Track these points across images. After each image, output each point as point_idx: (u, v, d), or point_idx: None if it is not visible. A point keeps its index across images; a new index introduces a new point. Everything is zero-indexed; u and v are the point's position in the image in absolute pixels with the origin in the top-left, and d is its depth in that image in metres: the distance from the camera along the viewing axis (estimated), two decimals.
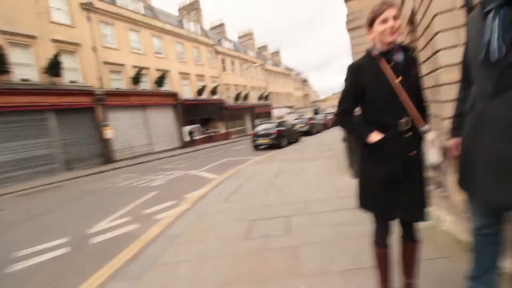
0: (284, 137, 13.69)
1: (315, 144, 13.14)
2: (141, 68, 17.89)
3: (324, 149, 10.32)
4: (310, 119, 21.41)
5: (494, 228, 1.33)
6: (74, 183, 9.99)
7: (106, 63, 16.08)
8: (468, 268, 1.47)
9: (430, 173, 3.18)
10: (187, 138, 21.65)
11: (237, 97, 28.94)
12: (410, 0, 6.23)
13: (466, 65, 1.35)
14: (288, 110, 43.00)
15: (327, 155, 8.69)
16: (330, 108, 56.15)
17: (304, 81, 59.96)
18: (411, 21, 7.39)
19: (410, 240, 1.55)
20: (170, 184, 7.14)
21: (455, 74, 1.97)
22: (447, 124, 1.48)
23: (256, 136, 13.56)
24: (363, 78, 1.45)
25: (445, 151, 1.55)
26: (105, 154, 15.13)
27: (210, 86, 25.28)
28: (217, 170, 8.58)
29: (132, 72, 17.53)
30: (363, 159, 1.55)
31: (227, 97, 28.30)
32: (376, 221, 1.55)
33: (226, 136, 26.68)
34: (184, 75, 22.55)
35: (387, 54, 1.42)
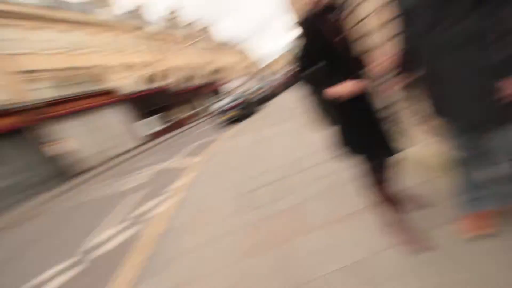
0: (251, 105, 13.40)
1: (278, 108, 13.32)
2: (66, 70, 15.72)
3: (288, 111, 10.62)
4: (268, 83, 19.89)
5: (475, 142, 1.37)
6: (49, 206, 9.01)
7: (21, 72, 13.71)
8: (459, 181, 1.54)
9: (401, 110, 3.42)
10: (145, 133, 20.41)
11: (184, 79, 27.42)
12: None
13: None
14: (239, 82, 42.11)
15: (292, 115, 9.00)
16: (274, 73, 55.68)
17: (243, 51, 58.55)
18: None
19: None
20: (151, 181, 6.91)
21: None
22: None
23: (220, 112, 12.85)
24: (321, 34, 1.36)
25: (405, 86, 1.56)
26: (62, 171, 13.78)
27: (149, 73, 23.50)
28: (193, 155, 8.47)
29: (57, 75, 15.33)
30: (344, 112, 1.54)
31: (171, 81, 26.69)
32: (368, 161, 1.61)
33: (182, 123, 25.65)
34: (121, 67, 20.46)
35: (330, 11, 1.39)
